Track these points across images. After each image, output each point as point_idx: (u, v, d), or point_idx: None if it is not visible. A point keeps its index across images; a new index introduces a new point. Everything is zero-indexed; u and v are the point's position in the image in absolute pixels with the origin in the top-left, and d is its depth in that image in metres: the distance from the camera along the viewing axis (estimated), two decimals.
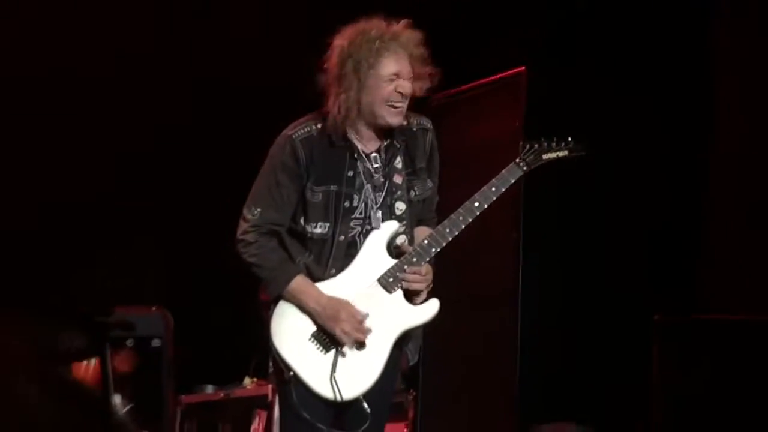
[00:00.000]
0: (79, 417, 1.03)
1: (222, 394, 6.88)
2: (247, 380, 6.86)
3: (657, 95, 6.36)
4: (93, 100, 7.02)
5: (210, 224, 6.38)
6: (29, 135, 6.90)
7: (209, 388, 7.03)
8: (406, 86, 4.39)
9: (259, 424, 6.58)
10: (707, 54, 6.31)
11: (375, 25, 4.40)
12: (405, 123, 4.50)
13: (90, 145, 7.02)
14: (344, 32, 4.43)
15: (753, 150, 6.19)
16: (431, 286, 4.49)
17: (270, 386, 6.49)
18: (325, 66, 4.44)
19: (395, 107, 4.40)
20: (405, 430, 6.44)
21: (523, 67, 6.10)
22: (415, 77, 4.42)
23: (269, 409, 6.47)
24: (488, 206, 4.44)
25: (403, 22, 4.42)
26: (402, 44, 4.38)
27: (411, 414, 6.48)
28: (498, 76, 6.26)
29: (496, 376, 6.20)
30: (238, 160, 5.35)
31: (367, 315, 4.41)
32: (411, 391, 6.46)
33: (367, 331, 4.40)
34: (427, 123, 4.60)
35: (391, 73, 4.38)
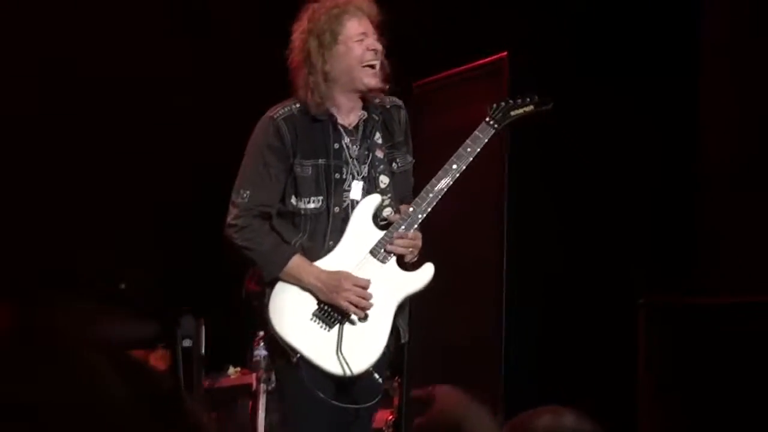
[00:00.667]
0: (150, 400, 1.03)
1: (207, 384, 6.87)
2: (231, 369, 6.85)
3: (644, 73, 6.36)
4: (96, 99, 7.02)
5: (196, 214, 6.37)
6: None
7: None
8: (376, 43, 4.44)
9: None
10: (696, 31, 6.31)
11: None
12: (378, 101, 4.55)
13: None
14: (301, 15, 4.49)
15: (746, 122, 6.18)
16: (417, 252, 4.50)
17: (254, 375, 6.48)
18: (291, 52, 4.50)
19: (372, 66, 4.44)
20: (390, 417, 6.44)
21: (505, 53, 6.10)
22: (379, 39, 4.48)
23: (254, 398, 6.46)
24: (466, 167, 4.48)
25: None
26: (359, 7, 4.44)
27: (396, 401, 6.48)
28: (480, 62, 6.26)
29: (481, 362, 6.20)
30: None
31: (369, 282, 4.42)
32: (396, 377, 6.45)
33: (371, 298, 4.40)
34: (399, 101, 4.67)
35: (359, 33, 4.44)
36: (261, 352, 6.23)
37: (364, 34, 4.44)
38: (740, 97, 6.19)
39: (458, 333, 6.37)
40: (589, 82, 6.33)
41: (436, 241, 6.17)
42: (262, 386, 6.37)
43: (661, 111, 6.40)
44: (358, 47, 4.43)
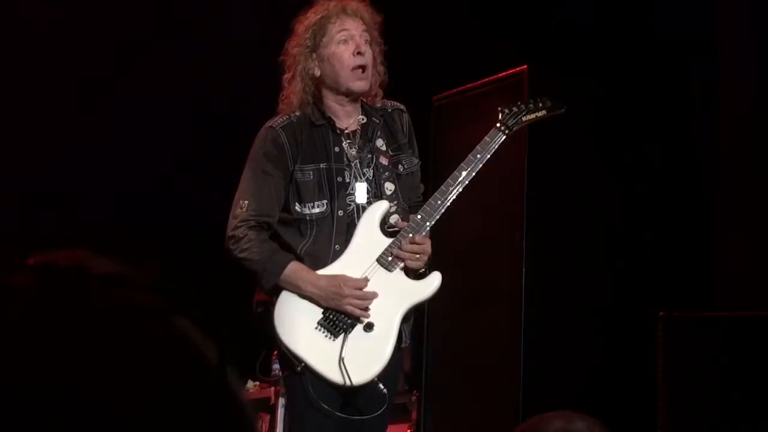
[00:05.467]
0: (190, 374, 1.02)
1: None
2: (249, 383, 6.83)
3: (659, 92, 6.36)
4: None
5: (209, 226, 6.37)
6: None
7: None
8: (362, 45, 4.41)
9: (262, 427, 6.56)
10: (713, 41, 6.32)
11: (322, 4, 4.46)
12: (379, 105, 4.53)
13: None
14: (293, 27, 4.50)
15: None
16: (427, 259, 4.45)
17: (273, 389, 6.46)
18: (284, 63, 4.50)
19: (361, 69, 4.41)
20: (408, 431, 6.41)
21: (525, 66, 6.09)
22: (372, 41, 4.45)
23: (272, 411, 6.45)
24: (476, 174, 4.44)
25: None
26: (350, 11, 4.43)
27: (414, 415, 6.45)
28: (500, 75, 6.25)
29: (499, 375, 6.18)
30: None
31: (367, 281, 4.37)
32: (414, 392, 6.43)
33: (373, 298, 4.35)
34: (401, 105, 4.63)
35: (342, 32, 4.41)
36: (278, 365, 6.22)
37: (348, 34, 4.40)
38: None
39: (477, 347, 6.35)
40: (609, 94, 6.32)
41: (455, 254, 6.17)
42: (281, 400, 6.35)
43: (680, 127, 6.40)
44: (343, 49, 4.40)
